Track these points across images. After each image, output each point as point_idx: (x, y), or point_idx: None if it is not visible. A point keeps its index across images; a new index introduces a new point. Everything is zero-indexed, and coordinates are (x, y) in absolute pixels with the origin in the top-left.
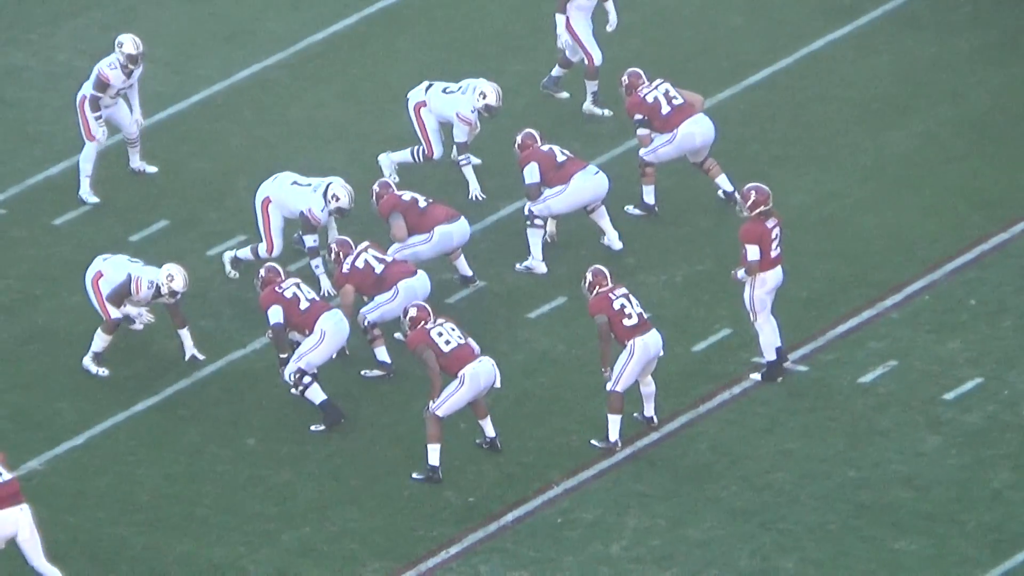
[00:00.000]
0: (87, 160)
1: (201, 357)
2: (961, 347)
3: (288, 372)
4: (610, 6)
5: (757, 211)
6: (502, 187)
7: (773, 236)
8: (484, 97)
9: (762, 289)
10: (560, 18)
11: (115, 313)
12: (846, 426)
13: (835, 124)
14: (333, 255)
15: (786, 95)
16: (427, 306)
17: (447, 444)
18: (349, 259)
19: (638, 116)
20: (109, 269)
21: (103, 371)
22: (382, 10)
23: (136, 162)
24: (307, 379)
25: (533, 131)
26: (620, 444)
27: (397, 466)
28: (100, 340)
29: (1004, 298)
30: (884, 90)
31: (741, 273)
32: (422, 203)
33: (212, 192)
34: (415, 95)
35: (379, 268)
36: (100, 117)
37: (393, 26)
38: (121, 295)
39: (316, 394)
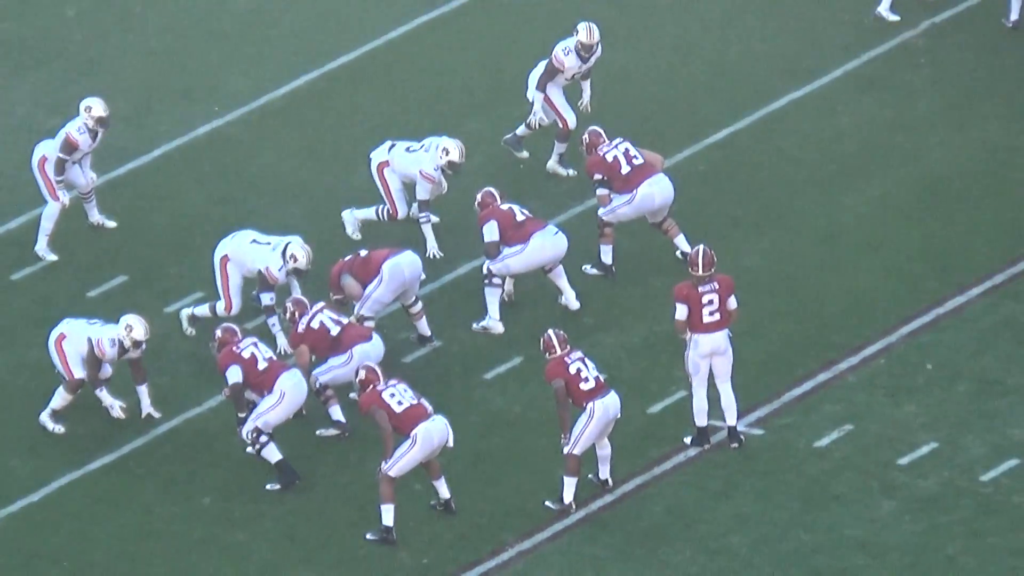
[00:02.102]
0: (49, 218)
1: (157, 415)
2: (917, 411)
3: (246, 431)
4: (586, 86)
5: (692, 273)
6: (460, 245)
7: (705, 301)
8: (447, 154)
9: (695, 351)
10: (539, 95)
11: (78, 373)
12: (801, 490)
13: (793, 185)
14: (288, 314)
15: (745, 155)
16: (376, 368)
17: (402, 504)
18: (304, 319)
19: (597, 175)
20: (70, 332)
21: (59, 428)
22: (343, 66)
23: (95, 216)
24: (264, 438)
25: (493, 189)
26: (575, 506)
27: (352, 526)
28: (60, 399)
29: (960, 362)
30: (843, 151)
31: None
32: (363, 253)
33: (171, 248)
34: (378, 155)
35: (335, 330)
36: (62, 181)
37: (354, 82)
38: (94, 363)
39: (272, 453)
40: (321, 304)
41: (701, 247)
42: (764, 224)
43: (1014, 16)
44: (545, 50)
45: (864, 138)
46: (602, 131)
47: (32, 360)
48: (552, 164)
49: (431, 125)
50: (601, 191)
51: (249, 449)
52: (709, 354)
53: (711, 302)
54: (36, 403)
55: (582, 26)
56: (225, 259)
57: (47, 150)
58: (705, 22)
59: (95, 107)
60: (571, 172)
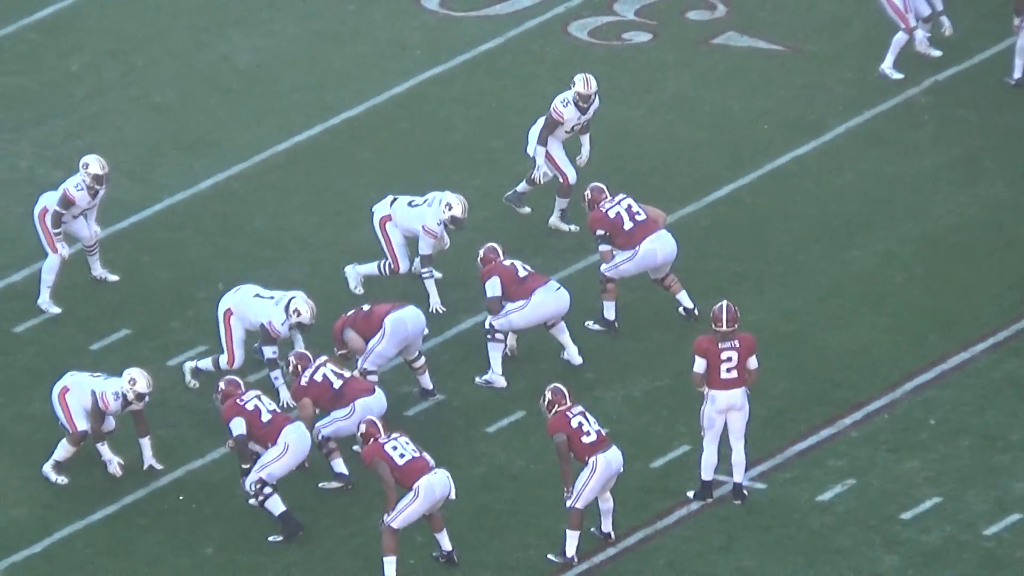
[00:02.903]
0: (50, 271)
1: (159, 467)
2: (920, 466)
3: (249, 482)
4: (585, 140)
5: (714, 328)
6: (463, 300)
7: (724, 357)
8: (450, 208)
9: (711, 406)
10: (541, 150)
11: (81, 425)
12: (803, 544)
13: (796, 241)
14: (291, 368)
15: (748, 211)
16: (378, 421)
17: (404, 556)
18: (307, 372)
19: (600, 231)
20: (74, 385)
21: (62, 479)
22: (345, 121)
23: (98, 270)
24: (268, 490)
25: (496, 245)
26: (577, 559)
27: None
28: (63, 450)
29: (963, 418)
30: (846, 207)
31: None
32: (365, 307)
33: (173, 301)
34: (380, 209)
35: (337, 383)
36: (60, 233)
37: (355, 137)
38: (97, 417)
39: (276, 505)
40: (324, 358)
41: (725, 303)
42: (767, 280)
43: (1017, 74)
44: (547, 106)
45: (868, 194)
46: (604, 187)
47: (35, 412)
48: (554, 220)
49: (434, 180)
50: (604, 247)
51: (252, 501)
52: (726, 409)
53: (730, 359)
54: (39, 454)
55: (579, 77)
56: (228, 313)
57: (49, 202)
58: (706, 78)
59: (92, 164)
60: (573, 228)
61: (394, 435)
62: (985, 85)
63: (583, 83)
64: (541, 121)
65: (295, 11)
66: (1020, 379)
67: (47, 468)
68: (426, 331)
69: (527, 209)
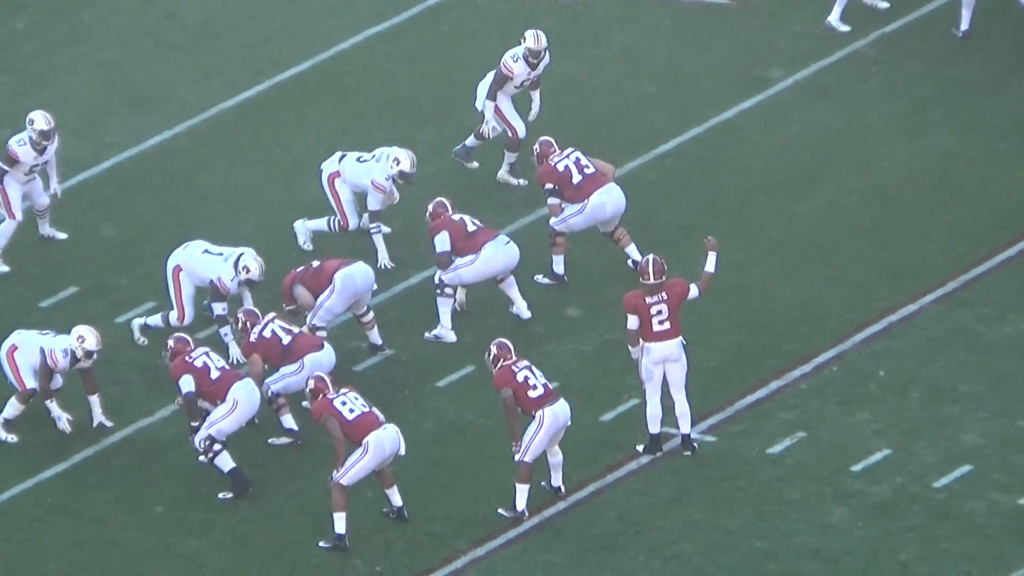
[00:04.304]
0: (3, 235)
1: (109, 424)
2: (869, 418)
3: (199, 439)
4: (535, 95)
5: (642, 282)
6: (411, 255)
7: (655, 312)
8: (398, 164)
9: (647, 358)
10: (490, 104)
11: (30, 383)
12: (754, 497)
13: (744, 194)
14: (240, 324)
15: (696, 165)
16: (327, 377)
17: (354, 512)
18: (256, 329)
19: (548, 185)
20: (22, 343)
21: (12, 437)
22: (292, 77)
23: (46, 229)
24: (217, 447)
25: (444, 200)
26: (528, 513)
27: (304, 534)
28: (13, 408)
29: (912, 370)
30: (793, 160)
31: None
32: (315, 263)
33: (121, 259)
34: (328, 166)
35: (286, 339)
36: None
37: (303, 94)
38: (46, 374)
39: (225, 462)
40: (272, 314)
41: (651, 256)
42: (715, 233)
43: (964, 26)
44: (494, 61)
45: (814, 147)
46: (553, 141)
47: None
48: (502, 174)
49: (381, 136)
50: (552, 201)
51: (202, 458)
52: (661, 360)
53: (660, 312)
54: None
55: (529, 33)
56: (178, 269)
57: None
58: (653, 33)
59: (37, 120)
60: (522, 182)
61: (343, 390)
62: (932, 37)
63: (533, 39)
64: (490, 76)
65: None
66: (968, 331)
67: None
68: (375, 287)
69: (475, 164)
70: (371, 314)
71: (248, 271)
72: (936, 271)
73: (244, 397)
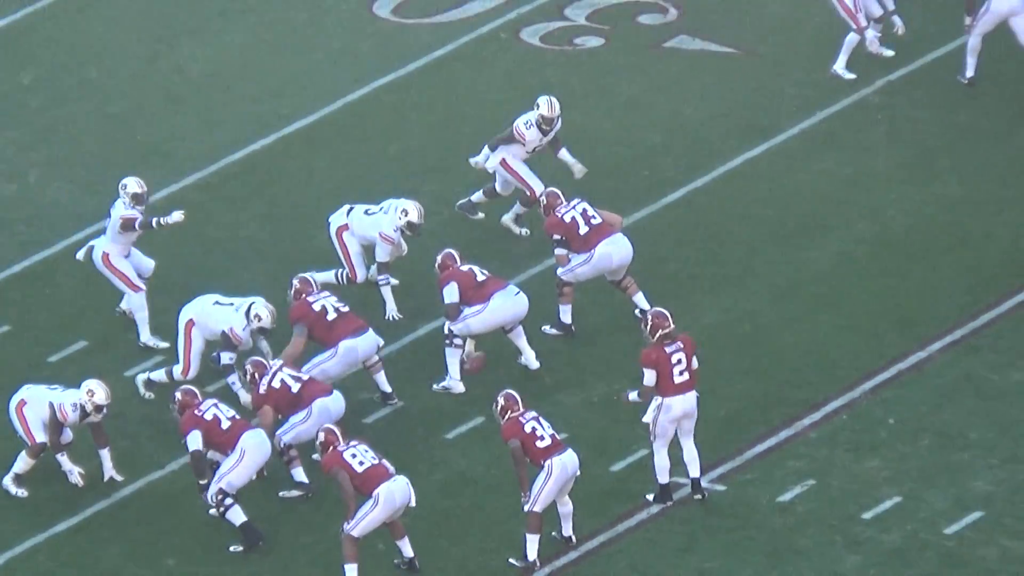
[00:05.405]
0: (140, 308)
1: (120, 478)
2: (880, 466)
3: (210, 493)
4: (564, 154)
5: (656, 335)
6: (419, 306)
7: (675, 360)
8: (406, 215)
9: (666, 416)
10: (495, 156)
11: (40, 437)
12: (764, 545)
13: (752, 242)
14: (248, 376)
15: (703, 214)
16: (336, 429)
17: (366, 564)
18: (265, 380)
19: (556, 236)
20: (31, 398)
21: (22, 492)
22: (298, 131)
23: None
24: (228, 500)
25: (453, 251)
26: (538, 563)
27: None
28: (23, 463)
29: (922, 417)
30: (800, 208)
31: (633, 395)
32: (331, 315)
33: (127, 315)
34: (336, 219)
35: (295, 387)
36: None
37: (310, 146)
38: (55, 428)
39: (237, 515)
40: (279, 362)
41: (656, 308)
42: (723, 282)
43: (969, 73)
44: (500, 113)
45: (822, 195)
46: (560, 192)
47: None
48: (507, 219)
49: (388, 187)
50: (559, 251)
51: (213, 511)
52: (681, 417)
53: (680, 361)
54: None
55: (543, 100)
56: (190, 323)
57: (102, 244)
58: (659, 81)
59: (130, 184)
60: (524, 232)
61: (353, 442)
62: (938, 84)
63: (547, 106)
64: (495, 154)
65: (247, 21)
66: (977, 377)
67: (7, 481)
68: (381, 343)
69: (481, 215)
70: (376, 357)
71: (260, 319)
72: (945, 318)
73: (252, 447)
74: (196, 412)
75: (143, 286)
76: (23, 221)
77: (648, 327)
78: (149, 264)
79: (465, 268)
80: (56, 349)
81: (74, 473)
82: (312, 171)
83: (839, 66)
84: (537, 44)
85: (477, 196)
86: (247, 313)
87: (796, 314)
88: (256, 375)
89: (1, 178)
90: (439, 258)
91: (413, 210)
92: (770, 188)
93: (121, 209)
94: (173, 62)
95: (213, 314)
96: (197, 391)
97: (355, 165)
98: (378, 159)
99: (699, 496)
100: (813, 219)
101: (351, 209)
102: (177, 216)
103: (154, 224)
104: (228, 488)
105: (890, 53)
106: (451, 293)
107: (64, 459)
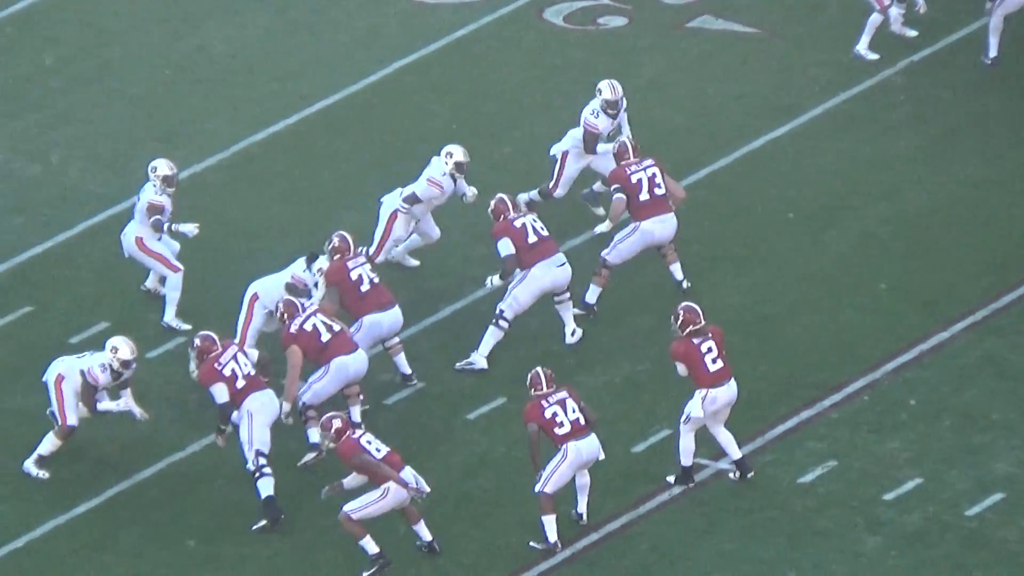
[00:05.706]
0: (174, 288)
1: (140, 413)
2: (901, 447)
3: (250, 458)
4: (624, 128)
5: (686, 331)
6: (441, 288)
7: (705, 349)
8: (452, 156)
9: (711, 407)
10: (561, 145)
11: (72, 420)
12: (785, 527)
13: (774, 223)
14: (279, 314)
15: (725, 194)
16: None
17: (387, 546)
18: (297, 320)
19: (616, 186)
20: (67, 371)
21: (44, 473)
22: (321, 110)
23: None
24: (266, 469)
25: (505, 197)
26: (560, 545)
27: (337, 568)
28: (50, 444)
29: (943, 398)
30: (823, 189)
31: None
32: (364, 286)
33: (151, 294)
34: (390, 201)
35: (325, 336)
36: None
37: (332, 127)
38: (90, 394)
39: (266, 487)
40: (315, 307)
41: (687, 304)
42: (745, 263)
43: (992, 53)
44: (522, 92)
45: (844, 176)
46: (634, 148)
47: (14, 407)
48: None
49: (410, 168)
50: (618, 197)
51: (250, 467)
52: (723, 406)
53: (710, 349)
54: (20, 450)
55: (604, 84)
56: (255, 298)
57: (134, 230)
58: (682, 63)
59: (160, 167)
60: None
61: (360, 432)
62: (961, 65)
63: (609, 90)
64: (567, 139)
65: (270, 2)
66: (999, 358)
67: (29, 463)
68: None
69: (602, 210)
70: (396, 339)
71: (322, 272)
72: (967, 299)
73: (257, 408)
74: (216, 366)
75: (181, 266)
76: (46, 203)
77: (679, 322)
78: (175, 246)
79: (519, 224)
80: (78, 330)
81: (136, 412)
82: (334, 152)
83: (862, 47)
84: (560, 24)
85: (598, 186)
86: (309, 267)
87: (817, 295)
88: (286, 315)
89: (24, 159)
90: (492, 203)
91: (458, 151)
92: (792, 169)
93: (150, 193)
94: (196, 43)
95: (276, 283)
96: (216, 337)
97: (377, 146)
98: (400, 140)
99: (750, 474)
100: (835, 200)
101: (402, 193)
102: (192, 229)
103: (166, 228)
104: (261, 447)
105: (913, 33)
106: (506, 247)
107: (111, 404)
